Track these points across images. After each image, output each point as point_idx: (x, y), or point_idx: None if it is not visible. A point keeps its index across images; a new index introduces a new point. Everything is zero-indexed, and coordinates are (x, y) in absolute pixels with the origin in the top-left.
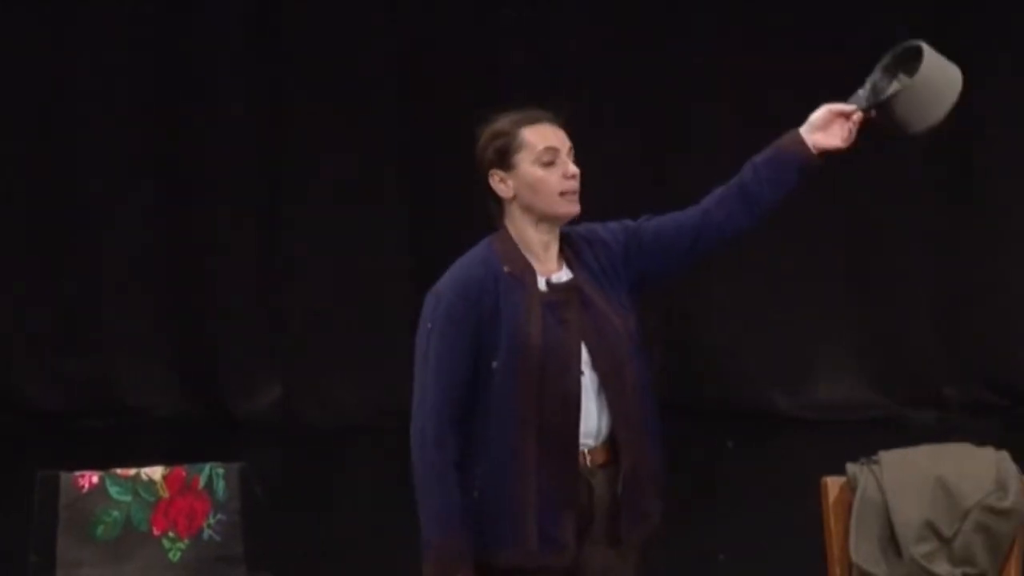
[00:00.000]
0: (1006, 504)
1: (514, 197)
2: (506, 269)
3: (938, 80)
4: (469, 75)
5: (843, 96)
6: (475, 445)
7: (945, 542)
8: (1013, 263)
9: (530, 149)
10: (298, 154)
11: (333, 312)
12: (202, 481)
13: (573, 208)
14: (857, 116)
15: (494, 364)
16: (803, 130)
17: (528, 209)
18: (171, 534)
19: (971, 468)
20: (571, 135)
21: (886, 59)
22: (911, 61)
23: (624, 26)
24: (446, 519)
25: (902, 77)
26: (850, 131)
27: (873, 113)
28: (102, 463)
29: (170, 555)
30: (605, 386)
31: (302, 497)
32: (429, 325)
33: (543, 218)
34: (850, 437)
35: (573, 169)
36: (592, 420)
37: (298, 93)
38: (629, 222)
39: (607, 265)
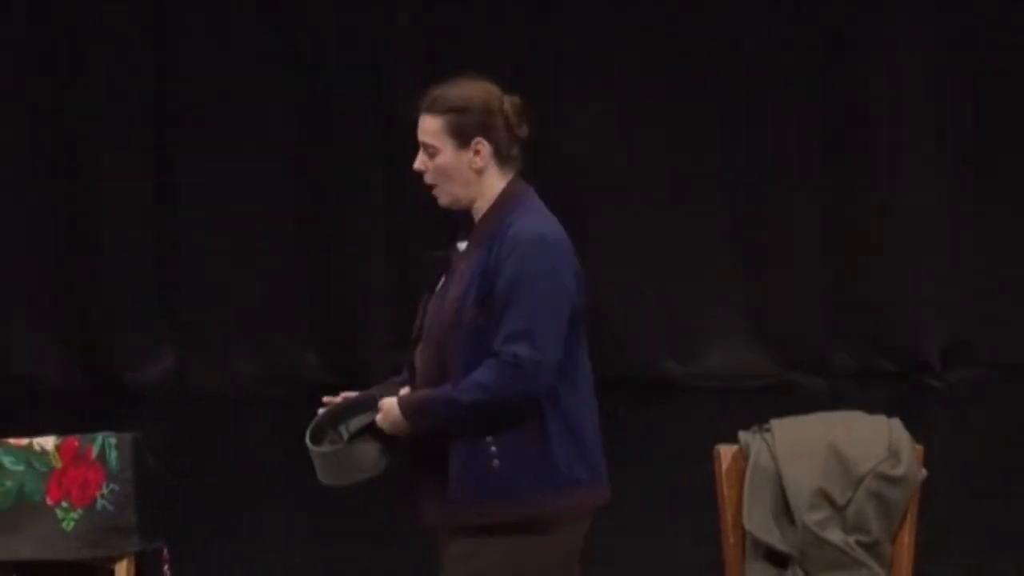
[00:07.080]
0: (899, 471)
1: None
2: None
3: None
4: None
5: None
6: None
7: (838, 509)
8: (903, 230)
9: None
10: (191, 126)
11: (225, 281)
12: (95, 451)
13: (439, 201)
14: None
15: None
16: None
17: None
18: (65, 504)
19: (863, 435)
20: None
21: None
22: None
23: None
24: None
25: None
26: None
27: None
28: None
29: (64, 525)
30: (417, 353)
31: (194, 466)
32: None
33: None
34: (742, 405)
35: (415, 165)
36: None
37: (191, 72)
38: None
39: (491, 266)
